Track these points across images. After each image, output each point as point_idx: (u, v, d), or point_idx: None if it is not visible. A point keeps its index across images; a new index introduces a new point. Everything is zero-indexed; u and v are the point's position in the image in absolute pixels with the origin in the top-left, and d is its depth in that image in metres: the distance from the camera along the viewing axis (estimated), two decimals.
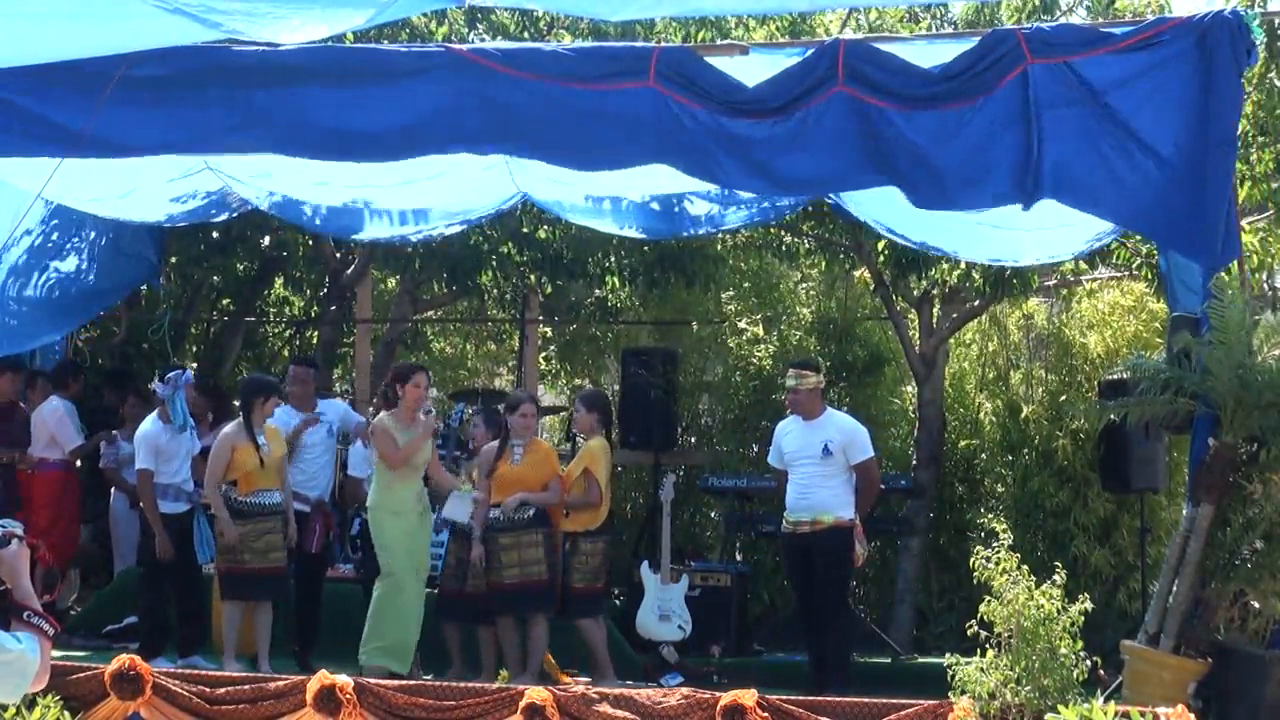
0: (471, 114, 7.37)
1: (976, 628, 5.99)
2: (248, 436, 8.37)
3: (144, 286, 11.93)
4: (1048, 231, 8.68)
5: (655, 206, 9.21)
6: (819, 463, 8.26)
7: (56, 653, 7.81)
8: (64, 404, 10.27)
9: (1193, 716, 5.92)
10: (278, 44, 7.19)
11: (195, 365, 10.94)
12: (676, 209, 9.36)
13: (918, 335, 11.81)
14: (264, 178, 8.85)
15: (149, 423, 8.87)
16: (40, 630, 3.27)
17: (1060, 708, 5.25)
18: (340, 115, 7.43)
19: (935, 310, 11.82)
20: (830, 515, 8.22)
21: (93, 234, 10.26)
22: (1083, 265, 11.03)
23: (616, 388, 13.08)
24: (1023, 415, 11.94)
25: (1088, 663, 5.95)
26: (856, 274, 12.14)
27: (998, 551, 6.10)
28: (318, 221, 9.76)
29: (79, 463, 10.78)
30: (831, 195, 9.00)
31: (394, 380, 8.43)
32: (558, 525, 8.42)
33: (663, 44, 8.80)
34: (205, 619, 8.97)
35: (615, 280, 12.41)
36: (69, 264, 10.09)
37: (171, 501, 8.81)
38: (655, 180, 8.32)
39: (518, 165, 8.47)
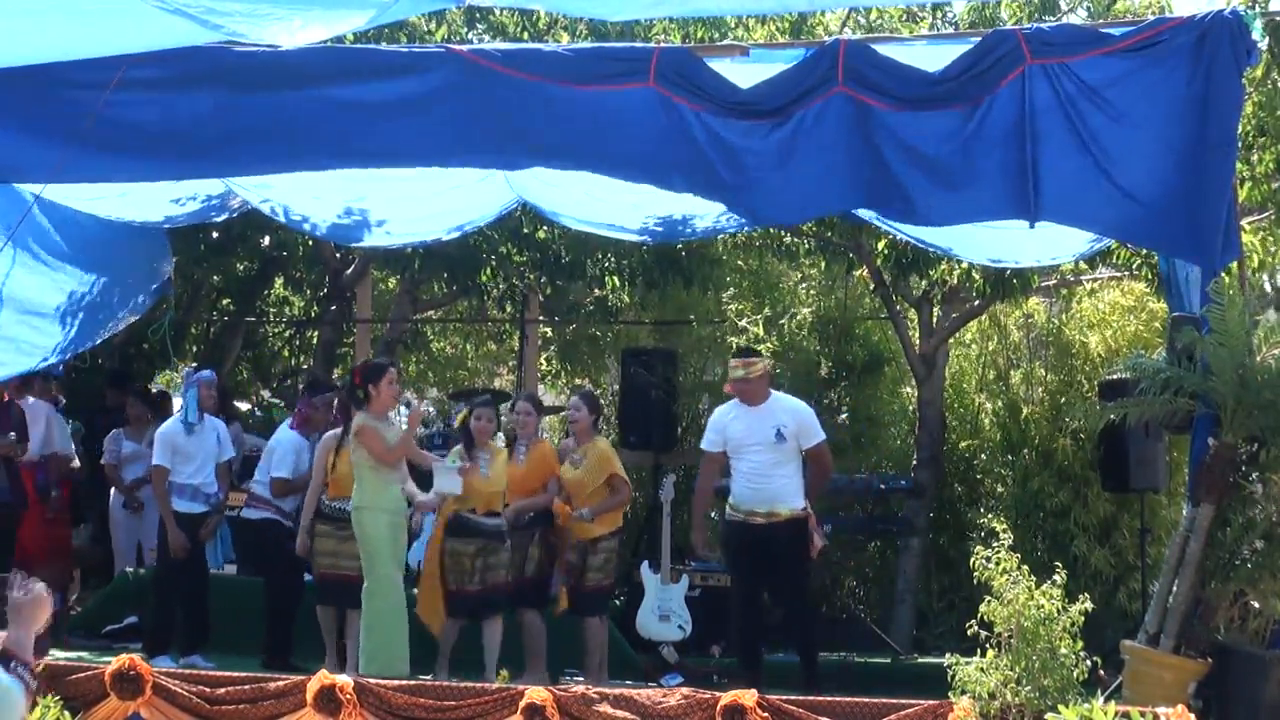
0: (472, 118, 7.37)
1: (976, 628, 5.99)
2: (340, 442, 8.37)
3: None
4: (1049, 231, 8.66)
5: (655, 213, 9.18)
6: (771, 449, 8.00)
7: (56, 653, 7.88)
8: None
9: (1193, 716, 5.92)
10: (278, 45, 7.19)
11: (195, 365, 10.89)
12: (677, 215, 9.33)
13: (918, 335, 11.81)
14: (264, 187, 8.86)
15: (171, 421, 8.99)
16: (26, 685, 3.29)
17: (1060, 708, 5.25)
18: (341, 124, 7.44)
19: (935, 310, 11.82)
20: (787, 506, 7.97)
21: (100, 244, 10.21)
22: (1083, 265, 11.03)
23: (616, 388, 13.09)
24: (1023, 415, 11.94)
25: (1088, 663, 5.95)
26: (856, 274, 12.14)
27: (998, 551, 6.09)
28: (317, 231, 9.76)
29: (78, 463, 10.78)
30: None
31: (364, 380, 8.20)
32: (562, 522, 8.44)
33: (663, 44, 8.80)
34: (207, 620, 8.99)
35: (615, 280, 12.41)
36: (78, 279, 10.02)
37: (188, 501, 8.85)
38: (655, 198, 8.31)
39: (515, 171, 8.46)
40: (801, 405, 8.36)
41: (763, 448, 8.02)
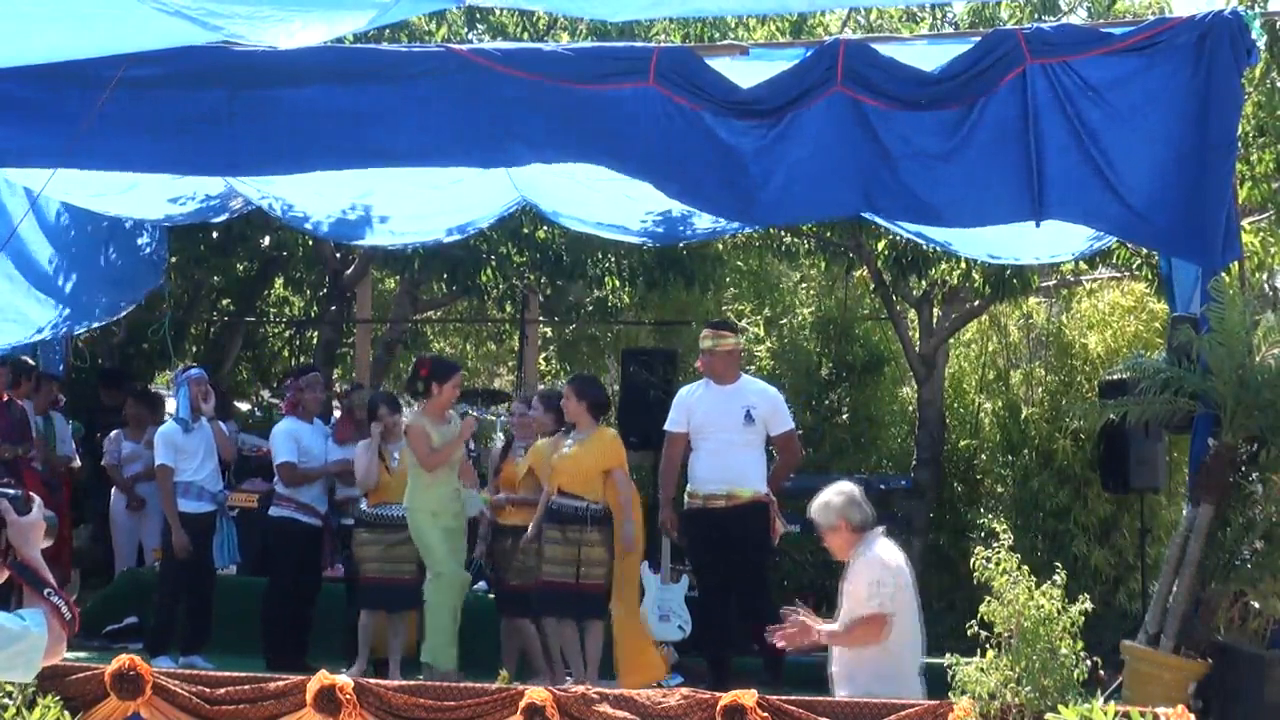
0: (472, 117, 7.37)
1: (976, 628, 5.99)
2: (376, 450, 8.37)
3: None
4: (1049, 229, 8.63)
5: (655, 214, 9.18)
6: (738, 431, 7.72)
7: None
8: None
9: (1193, 717, 5.91)
10: (277, 47, 7.19)
11: (185, 364, 10.91)
12: (676, 215, 9.33)
13: (918, 335, 11.82)
14: (265, 185, 8.87)
15: (168, 422, 9.01)
16: (53, 606, 3.09)
17: (1060, 708, 5.24)
18: (340, 124, 7.44)
19: (935, 310, 11.83)
20: (748, 489, 7.69)
21: (100, 236, 10.25)
22: (1083, 265, 11.04)
23: (616, 388, 13.09)
24: (1023, 415, 11.95)
25: (1088, 663, 5.94)
26: (856, 274, 12.15)
27: (998, 551, 6.08)
28: (319, 229, 9.78)
29: (77, 463, 10.78)
30: None
31: (430, 375, 8.08)
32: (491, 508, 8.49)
33: (663, 44, 8.80)
34: (209, 620, 8.99)
35: (615, 280, 12.41)
36: (76, 264, 10.08)
37: (194, 500, 8.84)
38: (655, 198, 8.29)
39: (518, 171, 8.46)
40: (772, 389, 8.15)
41: (729, 429, 7.76)
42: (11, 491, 3.16)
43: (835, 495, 6.18)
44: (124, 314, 10.88)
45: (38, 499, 3.20)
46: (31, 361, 10.54)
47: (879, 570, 6.03)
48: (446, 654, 7.86)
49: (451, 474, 8.10)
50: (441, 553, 7.94)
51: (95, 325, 10.73)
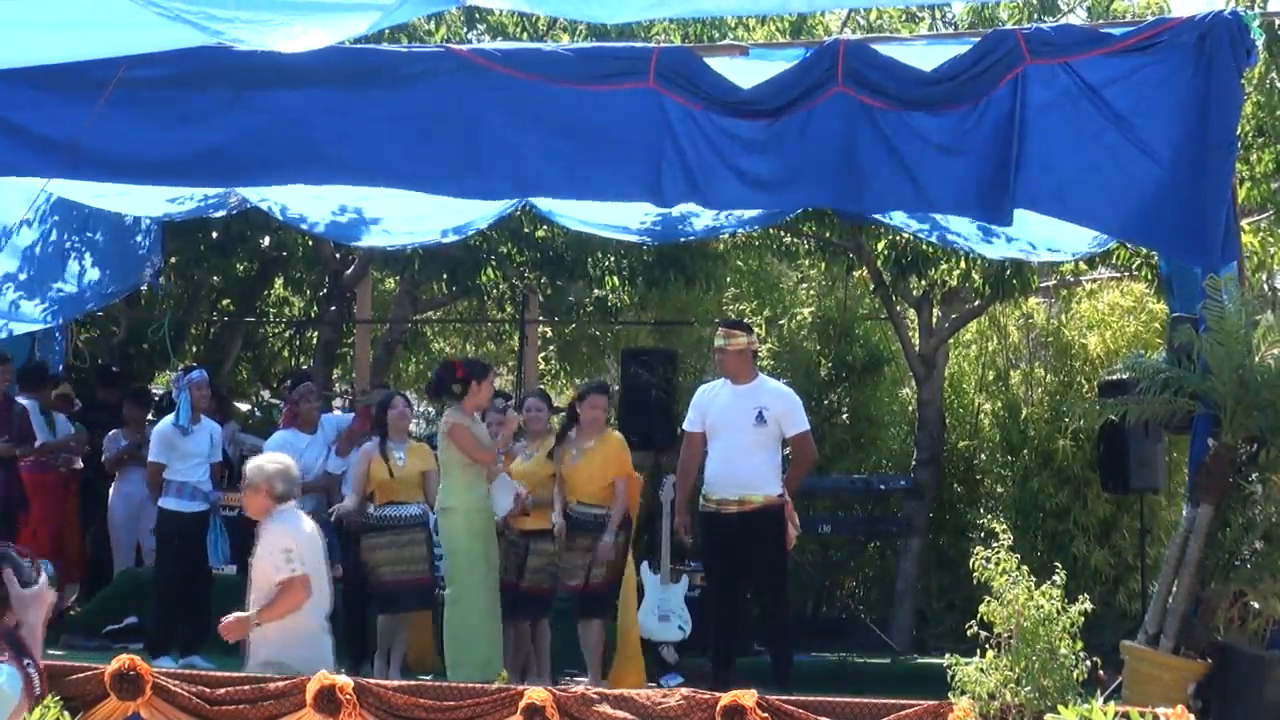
0: (472, 122, 7.38)
1: (976, 628, 5.99)
2: (380, 449, 8.43)
3: (144, 286, 11.94)
4: (1051, 227, 8.63)
5: (654, 213, 9.18)
6: (750, 431, 7.69)
7: (57, 652, 7.87)
8: (28, 402, 10.30)
9: (1192, 717, 5.91)
10: (278, 51, 7.19)
11: (185, 367, 10.93)
12: (675, 214, 9.34)
13: (917, 335, 11.82)
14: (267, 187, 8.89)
15: (166, 420, 9.10)
16: (26, 672, 3.06)
17: (1060, 708, 5.24)
18: (338, 131, 7.45)
19: (935, 311, 11.83)
20: (759, 494, 7.67)
21: (96, 231, 10.27)
22: (1082, 265, 11.04)
23: (616, 388, 13.10)
24: (1022, 415, 11.95)
25: (1088, 663, 5.94)
26: (856, 274, 12.15)
27: (997, 552, 6.08)
28: (316, 229, 9.80)
29: (79, 464, 10.78)
30: None
31: (468, 375, 8.06)
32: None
33: (662, 45, 8.80)
34: (207, 619, 8.99)
35: (615, 280, 12.42)
36: (70, 257, 10.11)
37: (188, 500, 8.89)
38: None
39: None
40: (789, 391, 8.16)
41: (741, 429, 7.74)
42: (21, 560, 3.12)
43: (270, 462, 6.68)
44: (115, 301, 10.91)
45: (47, 568, 3.17)
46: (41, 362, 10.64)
47: (289, 539, 6.48)
48: (487, 668, 7.76)
49: (483, 475, 8.08)
50: (471, 556, 7.84)
51: (85, 310, 10.73)
